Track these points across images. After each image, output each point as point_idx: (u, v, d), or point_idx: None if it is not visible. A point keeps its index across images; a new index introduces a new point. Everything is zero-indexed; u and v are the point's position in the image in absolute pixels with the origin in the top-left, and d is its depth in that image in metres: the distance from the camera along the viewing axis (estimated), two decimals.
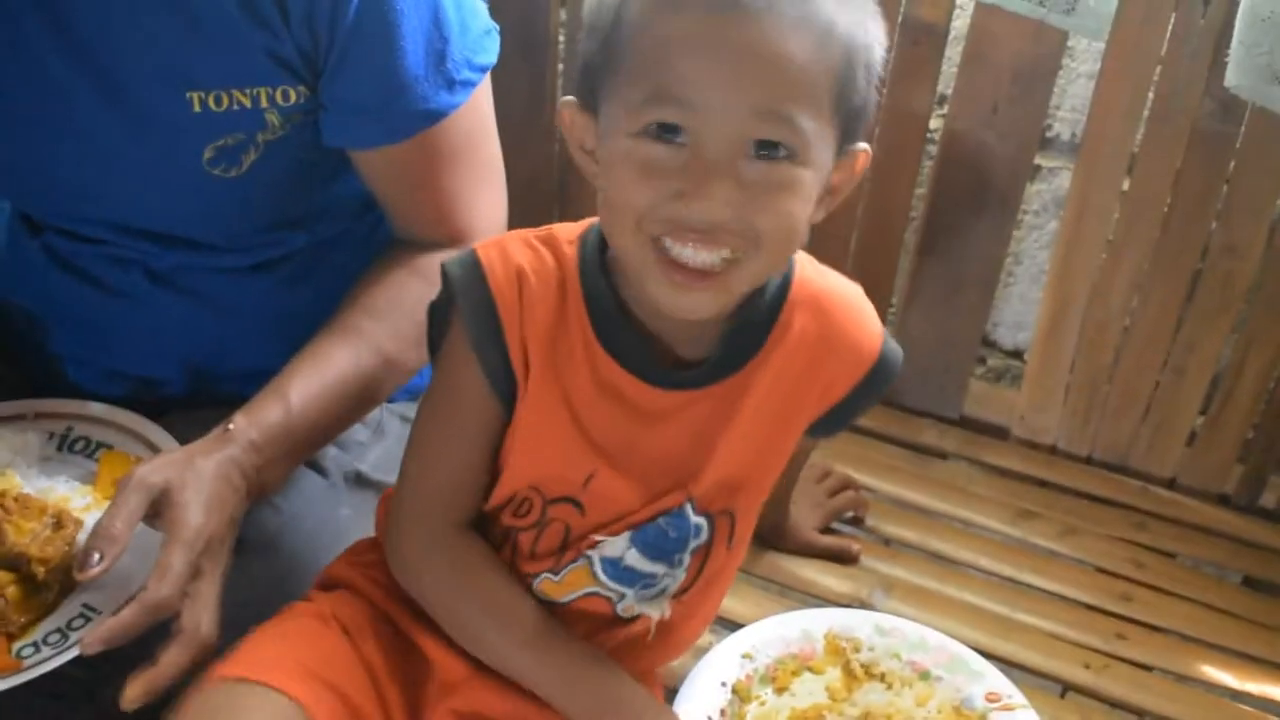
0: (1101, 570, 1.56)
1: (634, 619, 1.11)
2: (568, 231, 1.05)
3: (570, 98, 0.99)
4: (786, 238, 0.93)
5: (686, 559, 1.09)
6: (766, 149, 0.89)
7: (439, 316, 1.07)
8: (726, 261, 0.91)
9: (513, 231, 1.07)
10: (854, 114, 0.93)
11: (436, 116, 1.15)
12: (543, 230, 1.06)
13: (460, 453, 1.06)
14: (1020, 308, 1.89)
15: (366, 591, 1.12)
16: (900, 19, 1.58)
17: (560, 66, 1.84)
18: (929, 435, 1.75)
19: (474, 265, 1.02)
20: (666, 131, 0.89)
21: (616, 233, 0.95)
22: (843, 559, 1.51)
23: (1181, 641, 1.46)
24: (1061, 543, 1.59)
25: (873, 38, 0.93)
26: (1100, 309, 1.62)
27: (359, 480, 1.29)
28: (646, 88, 0.89)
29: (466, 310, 1.02)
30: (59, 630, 1.03)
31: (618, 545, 1.07)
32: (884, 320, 1.71)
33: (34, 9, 1.10)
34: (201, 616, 0.99)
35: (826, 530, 1.54)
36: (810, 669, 1.20)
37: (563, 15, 1.81)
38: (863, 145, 0.97)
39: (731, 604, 1.42)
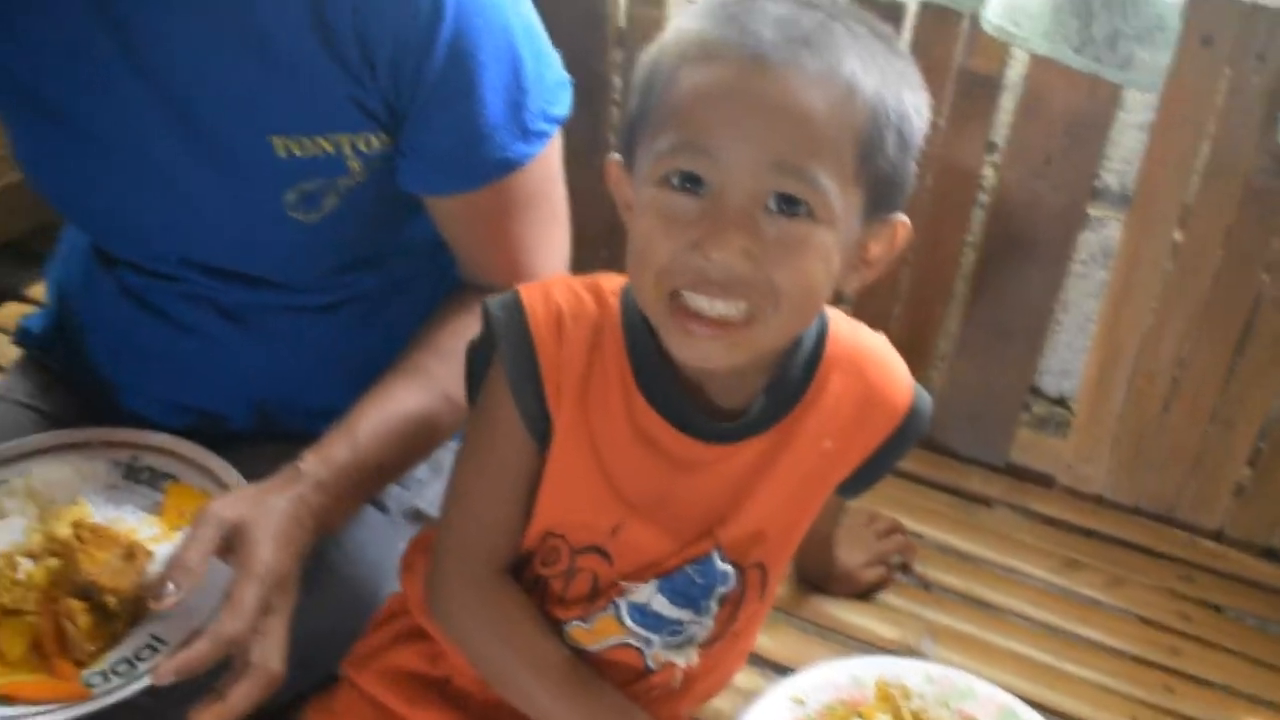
0: (1148, 622, 1.56)
1: (663, 669, 1.12)
2: (612, 281, 1.07)
3: (616, 155, 1.00)
4: (805, 296, 0.93)
5: (714, 606, 1.10)
6: (786, 204, 0.89)
7: (479, 356, 1.08)
8: (743, 313, 0.92)
9: (558, 276, 1.09)
10: (883, 180, 0.93)
11: (512, 166, 1.17)
12: (588, 278, 1.07)
13: (500, 498, 1.07)
14: (1066, 355, 1.89)
15: (367, 688, 1.15)
16: (955, 69, 1.59)
17: (615, 111, 1.86)
18: (975, 482, 1.76)
19: (516, 306, 1.03)
20: (688, 181, 0.90)
21: (638, 285, 0.96)
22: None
23: (1228, 696, 1.46)
24: (1108, 593, 1.59)
25: (907, 106, 0.93)
26: (1149, 360, 1.63)
27: (417, 517, 1.31)
28: (671, 138, 0.90)
29: (506, 352, 1.03)
30: (127, 660, 1.05)
31: (645, 591, 1.07)
32: (931, 366, 1.75)
33: (121, 52, 1.12)
34: (271, 652, 1.01)
35: None
36: (860, 715, 1.20)
37: (619, 57, 1.83)
38: (901, 217, 0.98)
39: (772, 645, 1.44)
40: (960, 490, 1.74)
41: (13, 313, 1.86)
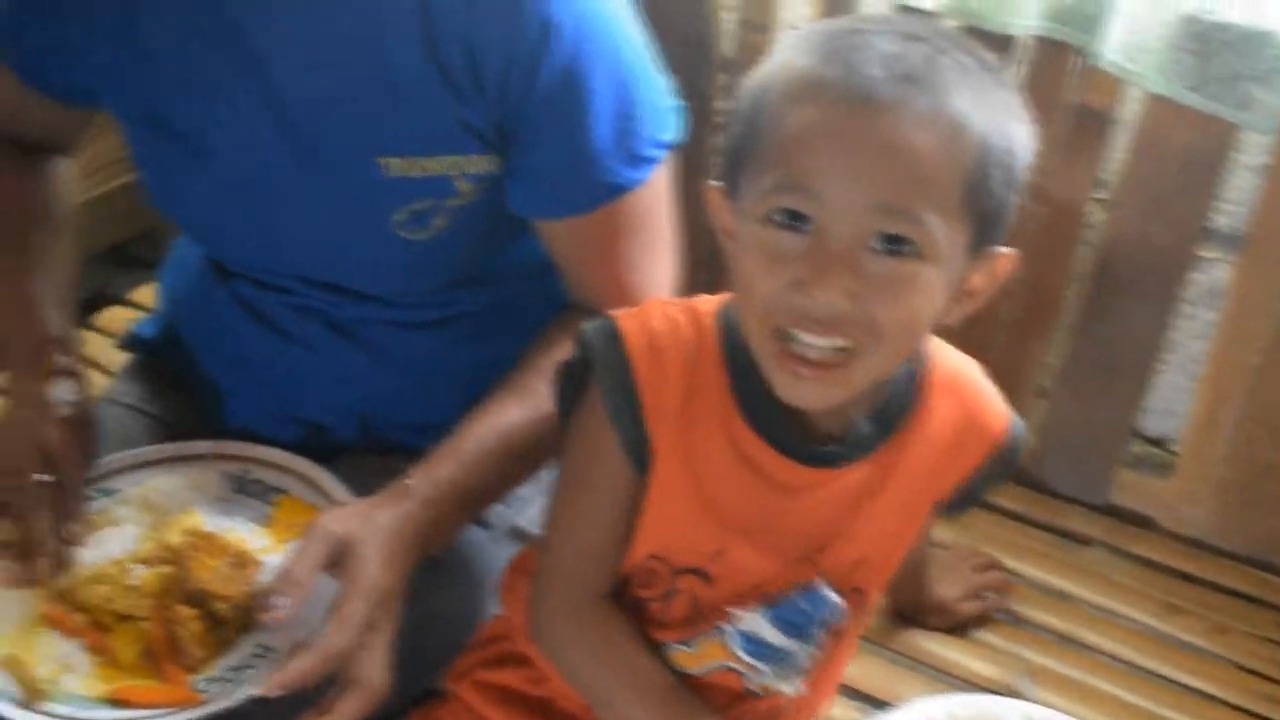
0: (1249, 671, 1.53)
1: (768, 696, 1.11)
2: (708, 304, 1.06)
3: (716, 181, 1.00)
4: (907, 333, 0.93)
5: (821, 635, 1.09)
6: (891, 243, 0.88)
7: (571, 380, 1.07)
8: (843, 352, 0.91)
9: (653, 300, 1.09)
10: (988, 216, 0.92)
11: (620, 191, 1.17)
12: (683, 301, 1.07)
13: (599, 523, 1.07)
14: (1169, 396, 1.86)
15: (472, 703, 1.16)
16: (1067, 104, 1.58)
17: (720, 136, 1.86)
18: (1074, 521, 1.73)
19: (613, 333, 1.03)
20: (793, 219, 0.89)
21: (743, 318, 0.96)
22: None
23: None
24: (1209, 640, 1.56)
25: (1013, 141, 0.92)
26: (1258, 403, 1.59)
27: (519, 535, 1.31)
28: (776, 175, 0.90)
29: (604, 379, 1.02)
30: (235, 667, 1.07)
31: (755, 621, 1.07)
32: (1032, 401, 1.73)
33: (238, 74, 1.15)
34: (375, 668, 1.02)
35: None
36: None
37: (724, 81, 1.83)
38: (1005, 250, 0.96)
39: (864, 677, 1.43)
40: (1058, 529, 1.72)
41: (115, 317, 1.89)
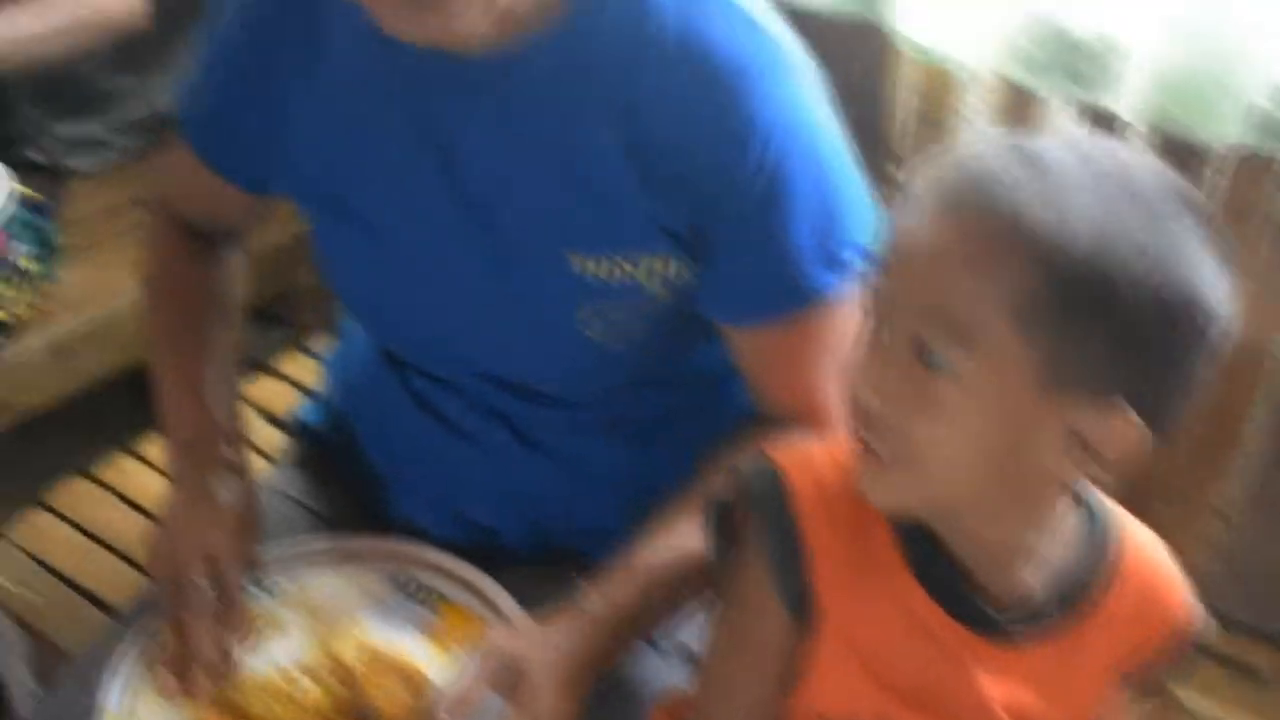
0: None
1: None
2: None
3: None
4: (949, 456, 0.85)
5: None
6: (928, 353, 0.83)
7: (724, 519, 1.01)
8: (883, 452, 0.87)
9: (814, 443, 1.02)
10: (1068, 349, 0.81)
11: (816, 296, 1.13)
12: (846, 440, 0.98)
13: (757, 682, 1.01)
14: None
15: None
16: (1266, 221, 1.50)
17: None
18: (1257, 657, 1.64)
19: (775, 480, 0.96)
20: (867, 317, 0.89)
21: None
22: None
23: None
24: None
25: (1120, 272, 0.79)
26: None
27: (684, 651, 1.26)
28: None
29: (767, 532, 0.96)
30: None
31: None
32: (1212, 523, 1.64)
33: (433, 165, 1.12)
34: None
35: None
36: None
37: (894, 174, 1.78)
38: (1128, 412, 0.83)
39: None
40: (1238, 663, 1.63)
41: (265, 391, 1.87)
